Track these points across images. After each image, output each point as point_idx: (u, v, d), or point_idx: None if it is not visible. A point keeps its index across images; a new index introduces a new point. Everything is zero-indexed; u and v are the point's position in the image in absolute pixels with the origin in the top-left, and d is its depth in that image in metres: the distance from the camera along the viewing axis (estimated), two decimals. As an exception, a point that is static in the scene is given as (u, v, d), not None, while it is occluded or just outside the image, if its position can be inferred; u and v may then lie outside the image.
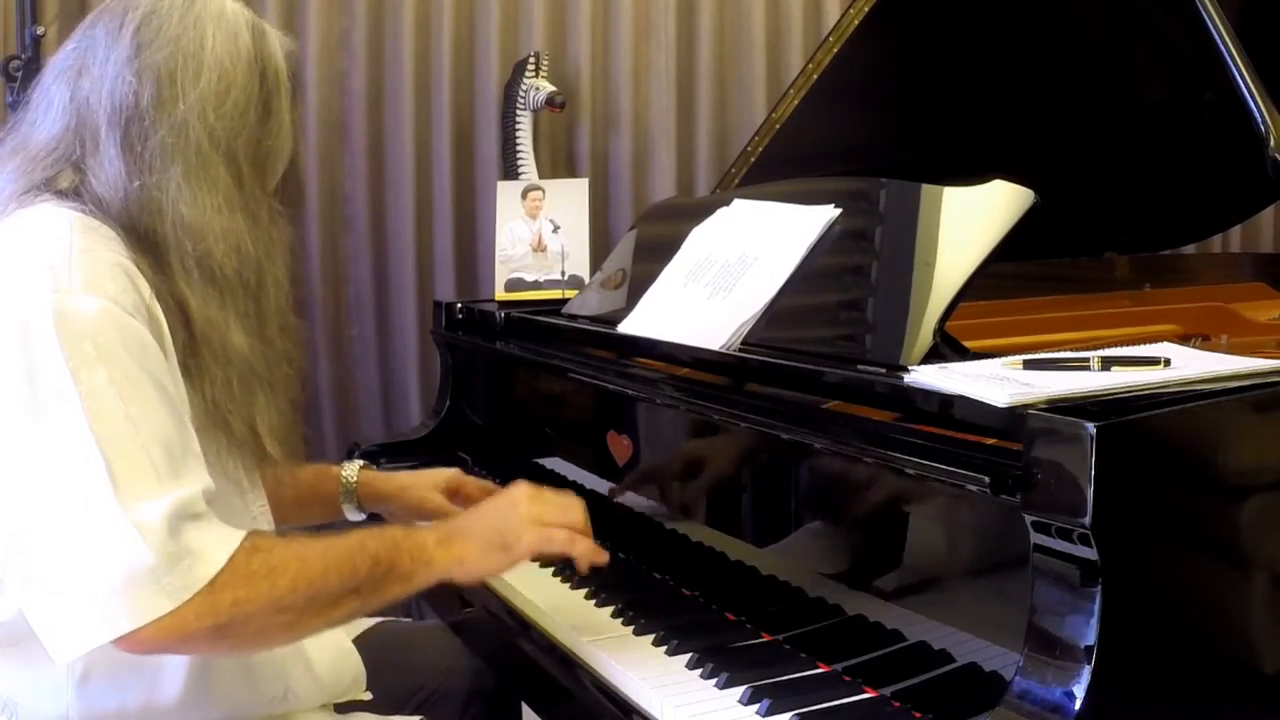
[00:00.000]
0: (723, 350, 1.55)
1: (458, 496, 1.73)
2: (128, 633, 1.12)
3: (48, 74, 1.34)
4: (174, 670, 1.26)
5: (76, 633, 1.13)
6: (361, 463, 1.76)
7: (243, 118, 1.31)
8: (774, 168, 2.17)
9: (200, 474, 1.20)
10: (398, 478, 1.76)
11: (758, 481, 1.50)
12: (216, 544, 1.17)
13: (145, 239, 1.25)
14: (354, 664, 1.51)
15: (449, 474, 1.76)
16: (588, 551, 1.39)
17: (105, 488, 1.12)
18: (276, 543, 1.22)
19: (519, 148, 2.98)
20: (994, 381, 1.17)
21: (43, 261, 1.18)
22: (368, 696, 1.52)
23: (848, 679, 1.28)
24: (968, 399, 1.16)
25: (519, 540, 1.36)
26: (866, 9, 2.15)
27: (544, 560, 1.66)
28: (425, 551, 1.31)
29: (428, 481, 1.74)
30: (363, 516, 1.75)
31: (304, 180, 1.42)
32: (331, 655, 1.47)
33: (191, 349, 1.25)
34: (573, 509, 1.42)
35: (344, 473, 1.72)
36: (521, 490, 1.42)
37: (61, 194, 1.26)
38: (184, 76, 1.27)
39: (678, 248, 1.80)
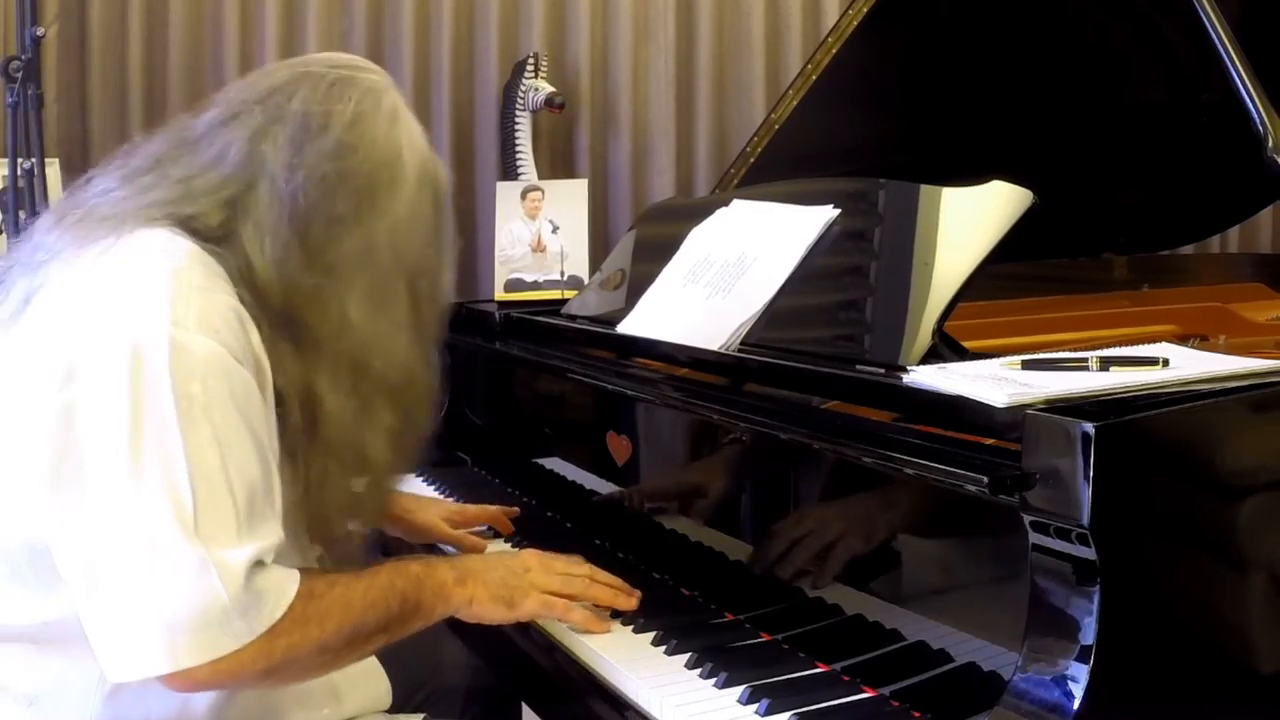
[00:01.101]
0: (722, 350, 1.55)
1: (457, 525, 1.80)
2: (185, 670, 1.14)
3: (220, 109, 1.32)
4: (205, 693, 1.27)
5: (133, 658, 1.14)
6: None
7: (425, 243, 1.34)
8: (773, 168, 2.17)
9: (276, 527, 1.21)
10: (402, 499, 1.78)
11: (756, 481, 1.50)
12: (280, 591, 1.19)
13: (296, 324, 1.25)
14: (382, 687, 1.52)
15: (452, 506, 1.84)
16: (584, 620, 1.43)
17: (189, 525, 1.13)
18: (325, 586, 1.25)
19: (518, 148, 2.99)
20: (993, 382, 1.18)
21: (162, 292, 1.18)
22: (386, 705, 1.53)
23: (846, 679, 1.28)
24: (966, 399, 1.16)
25: (523, 601, 1.41)
26: (865, 10, 2.16)
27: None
28: (445, 589, 1.36)
29: (433, 509, 1.81)
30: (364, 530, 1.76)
31: (447, 297, 1.45)
32: (361, 677, 1.48)
33: (310, 434, 1.26)
34: (575, 581, 1.45)
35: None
36: (532, 557, 1.47)
37: (196, 233, 1.25)
38: (381, 193, 1.28)
39: (677, 248, 1.80)
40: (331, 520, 1.32)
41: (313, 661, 1.24)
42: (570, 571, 1.45)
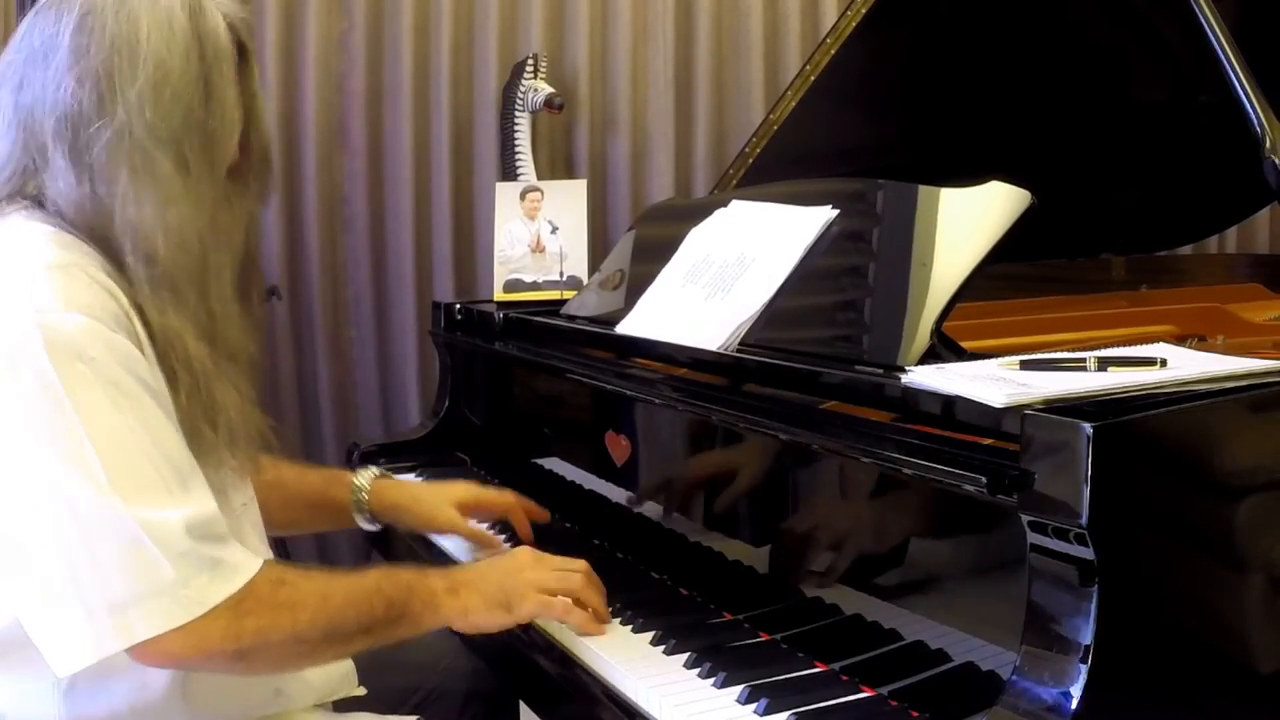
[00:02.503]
0: (721, 351, 1.56)
1: (474, 511, 1.74)
2: (145, 640, 1.13)
3: None
4: (160, 674, 1.26)
5: (82, 642, 1.13)
6: (376, 471, 1.75)
7: (182, 104, 1.25)
8: (772, 169, 2.17)
9: (206, 491, 1.20)
10: (411, 488, 1.76)
11: (755, 481, 1.50)
12: (237, 565, 1.19)
13: (106, 246, 1.23)
14: (346, 666, 1.51)
15: (463, 489, 1.76)
16: (582, 622, 1.42)
17: (109, 495, 1.12)
18: (301, 577, 1.25)
19: (517, 149, 2.99)
20: (991, 382, 1.18)
21: (21, 281, 1.17)
22: (361, 692, 1.52)
23: (845, 678, 1.29)
24: (965, 399, 1.17)
25: (521, 603, 1.40)
26: (864, 11, 2.16)
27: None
28: (435, 599, 1.35)
29: (442, 496, 1.74)
30: (375, 527, 1.75)
31: (267, 147, 1.35)
32: None
33: (161, 356, 1.23)
34: (572, 577, 1.44)
35: (356, 480, 1.72)
36: (526, 555, 1.46)
37: (28, 206, 1.24)
38: (120, 75, 1.23)
39: (676, 249, 1.80)
40: (204, 435, 1.25)
41: (288, 650, 1.24)
42: (567, 570, 1.45)
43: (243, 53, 1.32)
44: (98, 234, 1.23)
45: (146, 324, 1.22)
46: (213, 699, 1.32)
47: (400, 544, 1.87)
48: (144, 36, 1.24)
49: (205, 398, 1.25)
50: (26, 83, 1.25)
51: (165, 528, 1.14)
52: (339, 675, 1.50)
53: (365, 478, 1.73)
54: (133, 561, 1.13)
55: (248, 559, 1.21)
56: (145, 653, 1.16)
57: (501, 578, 1.41)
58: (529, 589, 1.41)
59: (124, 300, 1.20)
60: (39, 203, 1.25)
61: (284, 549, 2.59)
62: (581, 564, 1.46)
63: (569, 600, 1.42)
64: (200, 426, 1.25)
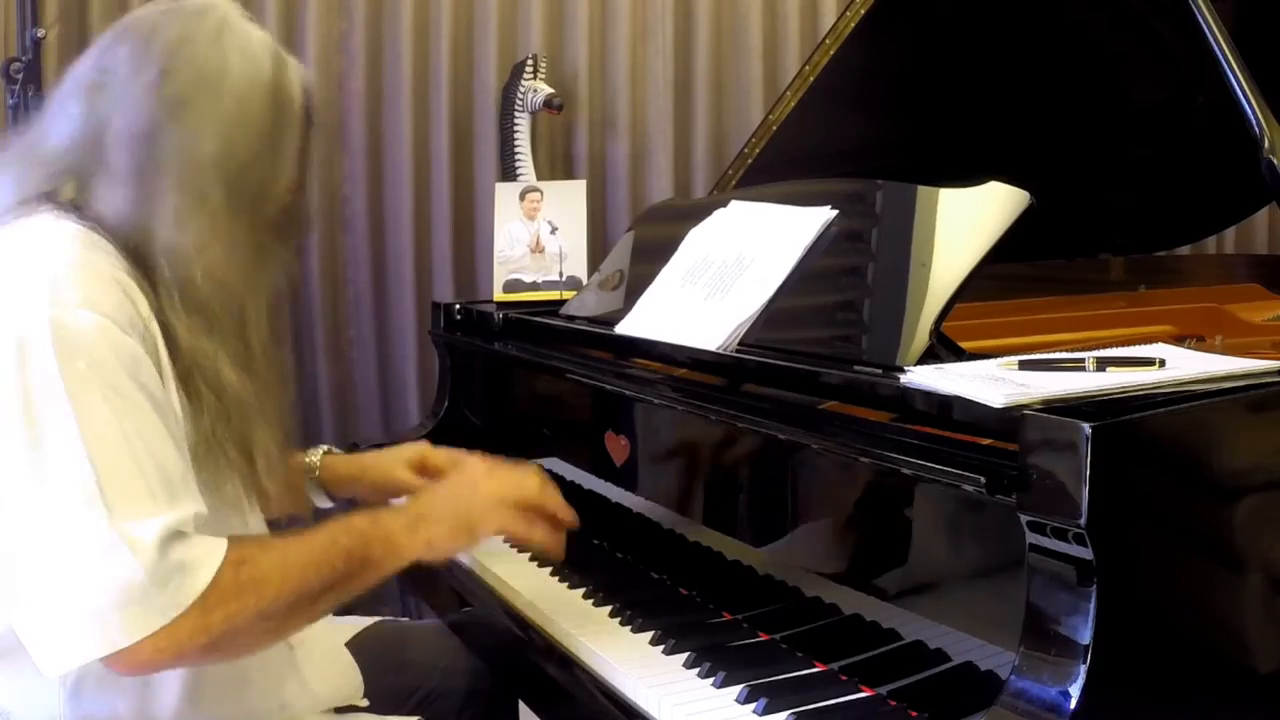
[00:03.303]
0: (720, 351, 1.56)
1: (425, 471, 1.69)
2: (121, 649, 1.13)
3: (65, 83, 1.32)
4: (167, 679, 1.26)
5: (66, 647, 1.13)
6: (325, 448, 1.73)
7: (248, 148, 1.29)
8: (771, 169, 2.18)
9: (195, 497, 1.20)
10: (361, 458, 1.74)
11: (755, 481, 1.50)
12: (202, 560, 1.18)
13: (139, 259, 1.24)
14: (351, 674, 1.51)
15: (414, 448, 1.73)
16: (546, 539, 1.43)
17: (98, 505, 1.12)
18: (258, 551, 1.23)
19: (517, 149, 2.99)
20: (990, 382, 1.18)
21: (42, 275, 1.18)
22: (365, 704, 1.53)
23: (844, 678, 1.29)
24: (964, 399, 1.17)
25: (483, 519, 1.40)
26: (863, 12, 2.16)
27: (542, 561, 1.68)
28: (394, 538, 1.33)
29: (392, 458, 1.71)
30: (331, 504, 1.73)
31: (308, 213, 1.38)
32: (329, 666, 1.47)
33: (185, 375, 1.24)
34: (527, 481, 1.45)
35: (308, 459, 1.70)
36: (478, 467, 1.46)
37: (61, 206, 1.25)
38: (200, 104, 1.26)
39: (675, 249, 1.81)
40: (230, 458, 1.27)
41: (256, 629, 1.22)
42: (520, 473, 1.45)
43: (308, 119, 1.36)
44: (132, 246, 1.24)
45: (173, 340, 1.23)
46: (220, 706, 1.32)
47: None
48: (230, 75, 1.28)
49: (239, 425, 1.26)
50: (104, 89, 1.27)
51: (142, 538, 1.13)
52: (348, 688, 1.50)
53: (315, 455, 1.71)
54: (110, 569, 1.12)
55: (211, 549, 1.19)
56: (119, 662, 1.15)
57: (458, 501, 1.40)
58: (488, 504, 1.40)
59: (143, 305, 1.21)
60: (76, 207, 1.25)
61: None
62: (534, 467, 1.46)
63: (531, 517, 1.42)
64: (223, 447, 1.26)
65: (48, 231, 1.23)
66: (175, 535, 1.16)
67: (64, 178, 1.27)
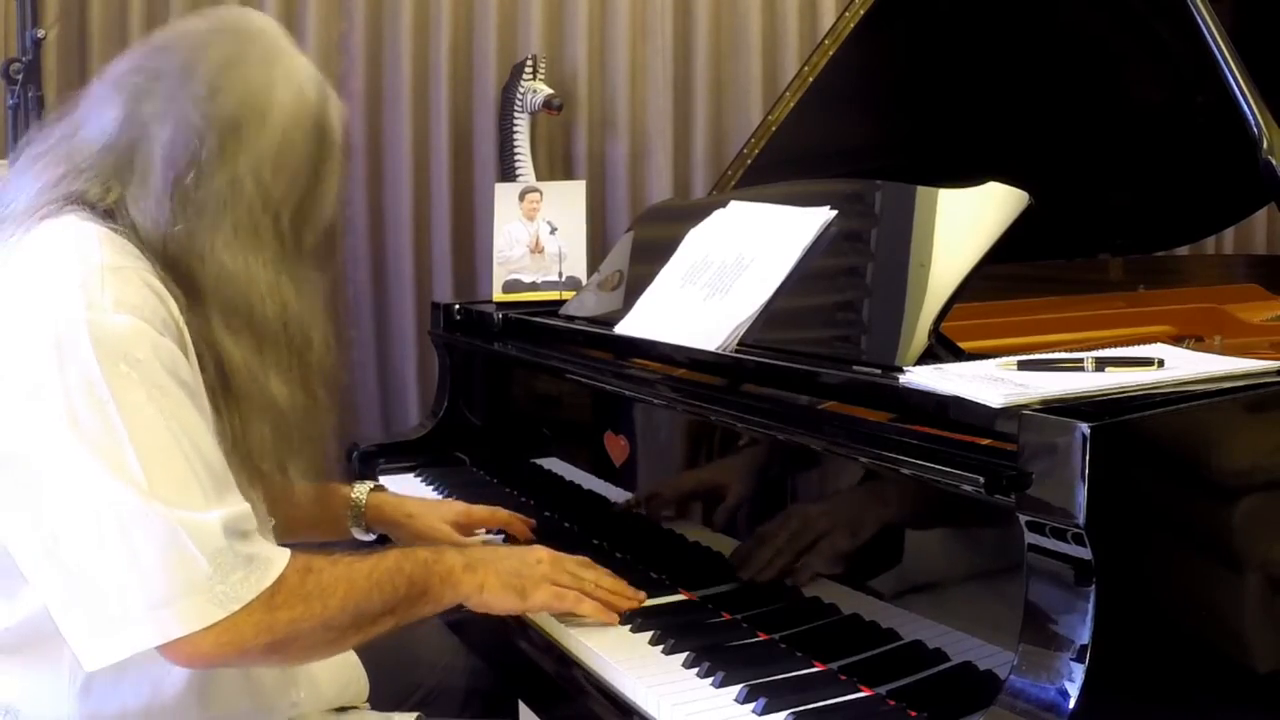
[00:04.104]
0: (719, 351, 1.56)
1: (465, 530, 1.76)
2: (179, 639, 1.14)
3: (105, 82, 1.32)
4: (176, 675, 1.26)
5: (117, 637, 1.13)
6: (372, 485, 1.77)
7: (295, 180, 1.31)
8: (770, 170, 2.18)
9: (239, 494, 1.21)
10: (406, 504, 1.77)
11: (754, 481, 1.50)
12: (270, 557, 1.20)
13: (181, 277, 1.24)
14: (358, 675, 1.52)
15: (458, 507, 1.78)
16: (595, 610, 1.45)
17: (149, 495, 1.13)
18: (326, 563, 1.26)
19: (516, 150, 2.99)
20: (989, 382, 1.18)
21: (74, 278, 1.17)
22: (367, 707, 1.53)
23: (843, 678, 1.29)
24: (963, 400, 1.17)
25: (535, 591, 1.42)
26: (862, 12, 2.16)
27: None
28: (453, 575, 1.37)
29: (436, 512, 1.76)
30: (371, 537, 1.76)
31: (337, 240, 1.42)
32: (336, 666, 1.48)
33: (223, 387, 1.25)
34: (584, 579, 1.47)
35: (354, 494, 1.74)
36: (544, 552, 1.48)
37: (90, 208, 1.25)
38: (248, 131, 1.27)
39: (674, 249, 1.81)
40: (263, 471, 1.29)
41: (318, 638, 1.24)
42: (579, 573, 1.47)
43: (345, 152, 1.39)
44: (176, 264, 1.24)
45: (219, 357, 1.25)
46: (227, 702, 1.32)
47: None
48: (278, 104, 1.29)
49: (275, 442, 1.29)
50: (149, 95, 1.27)
51: (203, 527, 1.14)
52: (353, 689, 1.50)
53: (362, 491, 1.74)
54: (172, 560, 1.13)
55: (277, 553, 1.21)
56: (178, 653, 1.16)
57: (519, 564, 1.43)
58: (543, 580, 1.42)
59: (174, 306, 1.22)
60: (107, 211, 1.25)
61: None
62: (594, 570, 1.49)
63: (579, 593, 1.44)
64: (260, 464, 1.28)
65: (73, 234, 1.22)
66: (239, 533, 1.18)
67: (96, 179, 1.26)
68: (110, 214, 1.25)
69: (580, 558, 1.50)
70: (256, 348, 1.27)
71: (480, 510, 1.79)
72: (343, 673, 1.49)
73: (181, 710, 1.28)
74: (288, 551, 1.22)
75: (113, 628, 1.13)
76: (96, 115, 1.29)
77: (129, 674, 1.22)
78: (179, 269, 1.24)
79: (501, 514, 1.79)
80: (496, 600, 1.40)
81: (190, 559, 1.13)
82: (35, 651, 1.21)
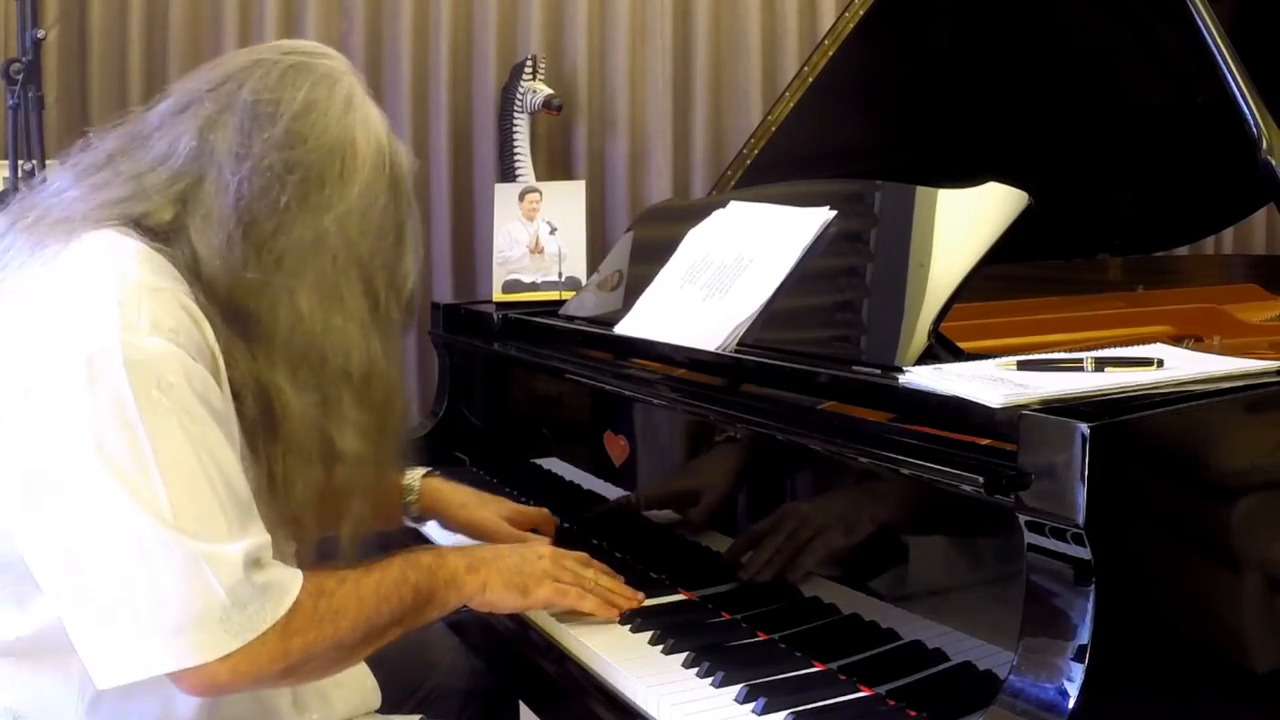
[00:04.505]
0: (719, 351, 1.56)
1: (515, 528, 1.75)
2: (193, 668, 1.13)
3: (176, 102, 1.29)
4: (184, 693, 1.25)
5: (130, 660, 1.13)
6: (424, 471, 1.76)
7: (380, 236, 1.29)
8: (769, 170, 2.18)
9: (261, 524, 1.21)
10: (461, 493, 1.76)
11: (753, 481, 1.50)
12: (284, 586, 1.19)
13: (245, 320, 1.22)
14: (370, 686, 1.52)
15: (511, 506, 1.77)
16: (596, 607, 1.45)
17: (172, 524, 1.12)
18: (335, 584, 1.25)
19: (516, 150, 2.99)
20: (988, 382, 1.18)
21: (111, 296, 1.15)
22: (376, 704, 1.53)
23: (843, 678, 1.29)
24: (962, 400, 1.17)
25: (537, 588, 1.42)
26: (861, 12, 2.16)
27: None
28: (457, 578, 1.37)
29: (491, 507, 1.75)
30: (421, 524, 1.78)
31: (414, 308, 1.41)
32: (348, 680, 1.48)
33: (268, 430, 1.24)
34: (585, 575, 1.47)
35: (406, 480, 1.73)
36: (546, 547, 1.49)
37: (138, 225, 1.22)
38: (331, 183, 1.25)
39: (674, 249, 1.81)
40: (303, 519, 1.29)
41: (330, 658, 1.25)
42: (580, 570, 1.47)
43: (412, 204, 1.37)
44: (237, 301, 1.22)
45: (268, 398, 1.23)
46: (239, 717, 1.32)
47: (397, 543, 1.87)
48: (359, 155, 1.27)
49: (321, 487, 1.28)
50: (221, 126, 1.24)
51: (224, 559, 1.14)
52: (365, 698, 1.50)
53: (414, 478, 1.74)
54: (190, 590, 1.13)
55: (291, 577, 1.21)
56: (191, 682, 1.16)
57: (519, 562, 1.43)
58: (545, 578, 1.43)
59: (208, 331, 1.20)
60: (164, 234, 1.23)
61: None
62: (594, 567, 1.49)
63: (581, 592, 1.45)
64: (293, 504, 1.27)
65: (112, 249, 1.20)
66: (257, 560, 1.17)
67: (162, 203, 1.24)
68: (165, 236, 1.23)
69: (580, 554, 1.51)
70: (321, 400, 1.25)
71: (532, 511, 1.78)
72: (356, 691, 1.49)
73: None
74: (300, 575, 1.22)
75: (128, 650, 1.13)
76: (162, 135, 1.26)
77: (139, 690, 1.20)
78: (246, 314, 1.23)
79: (545, 513, 1.78)
80: (499, 599, 1.40)
81: (209, 590, 1.13)
82: (45, 661, 1.20)
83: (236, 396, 1.22)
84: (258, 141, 1.23)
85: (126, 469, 1.12)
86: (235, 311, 1.23)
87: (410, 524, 1.77)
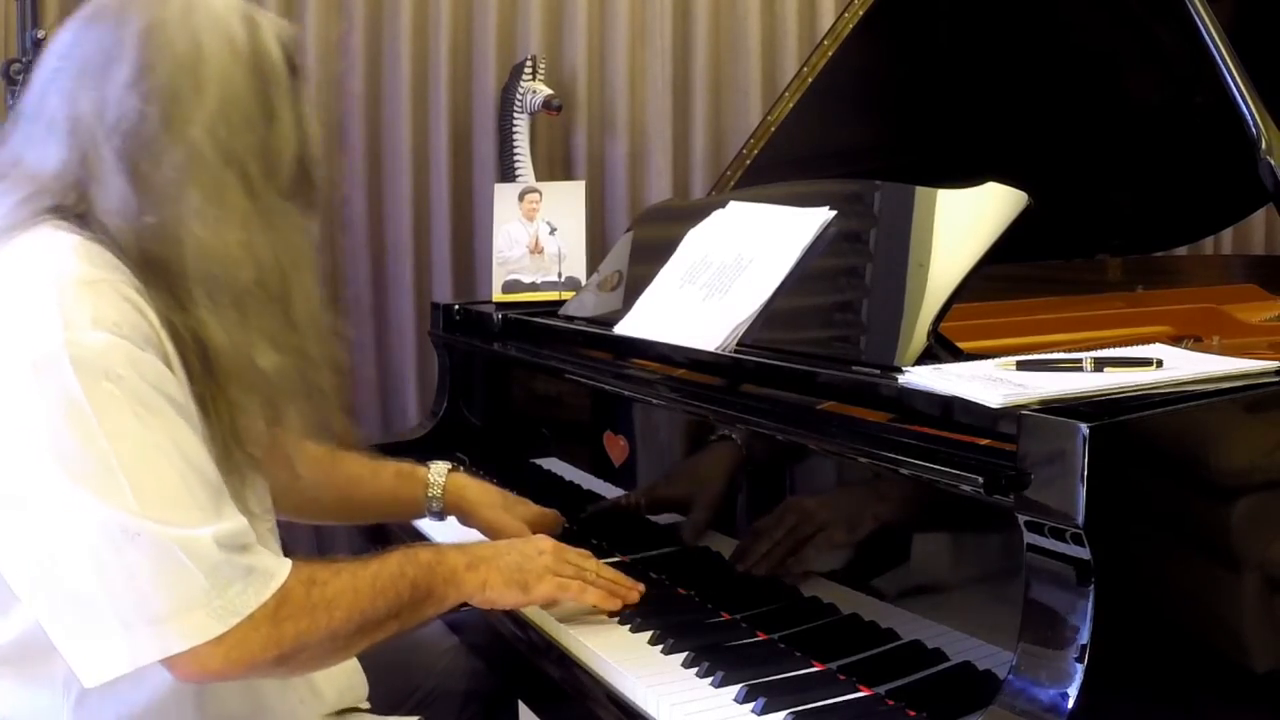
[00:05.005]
0: (718, 351, 1.56)
1: (536, 530, 1.72)
2: (184, 654, 1.13)
3: (39, 84, 1.26)
4: (172, 683, 1.25)
5: (119, 654, 1.13)
6: (449, 466, 1.75)
7: (248, 125, 1.24)
8: (769, 170, 2.18)
9: (234, 508, 1.20)
10: (485, 494, 1.74)
11: (753, 482, 1.50)
12: (269, 570, 1.19)
13: (161, 270, 1.20)
14: (358, 679, 1.52)
15: (534, 509, 1.75)
16: (600, 598, 1.45)
17: (139, 513, 1.12)
18: (330, 574, 1.25)
19: (516, 150, 2.99)
20: (987, 382, 1.18)
21: (49, 296, 1.14)
22: (366, 706, 1.53)
23: (842, 678, 1.29)
24: (962, 400, 1.17)
25: (538, 584, 1.42)
26: (861, 13, 2.17)
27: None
28: (456, 575, 1.36)
29: (519, 511, 1.73)
30: (443, 520, 1.76)
31: (321, 166, 1.33)
32: (337, 670, 1.48)
33: (208, 376, 1.22)
34: (586, 569, 1.47)
35: (430, 477, 1.72)
36: (547, 542, 1.48)
37: (62, 215, 1.22)
38: (188, 95, 1.21)
39: (674, 250, 1.81)
40: (255, 457, 1.26)
41: (324, 649, 1.24)
42: (581, 563, 1.47)
43: (294, 70, 1.32)
44: (153, 257, 1.20)
45: (202, 345, 1.21)
46: (224, 708, 1.32)
47: (396, 540, 1.87)
48: (209, 56, 1.23)
49: (266, 415, 1.26)
50: (82, 87, 1.22)
51: (198, 543, 1.13)
52: (352, 694, 1.50)
53: (439, 474, 1.73)
54: (168, 577, 1.12)
55: (278, 565, 1.21)
56: (186, 668, 1.16)
57: (520, 559, 1.43)
58: (545, 573, 1.42)
59: (154, 318, 1.18)
60: (80, 217, 1.22)
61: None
62: (594, 561, 1.49)
63: (583, 585, 1.44)
64: (231, 449, 1.24)
65: (47, 247, 1.19)
66: (238, 543, 1.17)
67: (66, 192, 1.22)
68: (82, 219, 1.21)
69: (581, 550, 1.50)
70: (241, 319, 1.22)
71: (550, 514, 1.77)
72: (342, 675, 1.49)
73: (177, 715, 1.28)
74: (289, 562, 1.22)
75: (113, 644, 1.13)
76: (41, 121, 1.24)
77: (125, 686, 1.20)
78: (159, 263, 1.20)
79: (561, 519, 1.77)
80: (499, 596, 1.40)
81: (187, 575, 1.13)
82: (29, 665, 1.20)
83: (185, 366, 1.21)
84: (113, 89, 1.21)
85: (87, 469, 1.12)
86: (153, 267, 1.20)
87: (434, 521, 1.76)
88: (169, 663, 1.15)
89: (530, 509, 1.76)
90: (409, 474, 1.74)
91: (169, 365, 1.19)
